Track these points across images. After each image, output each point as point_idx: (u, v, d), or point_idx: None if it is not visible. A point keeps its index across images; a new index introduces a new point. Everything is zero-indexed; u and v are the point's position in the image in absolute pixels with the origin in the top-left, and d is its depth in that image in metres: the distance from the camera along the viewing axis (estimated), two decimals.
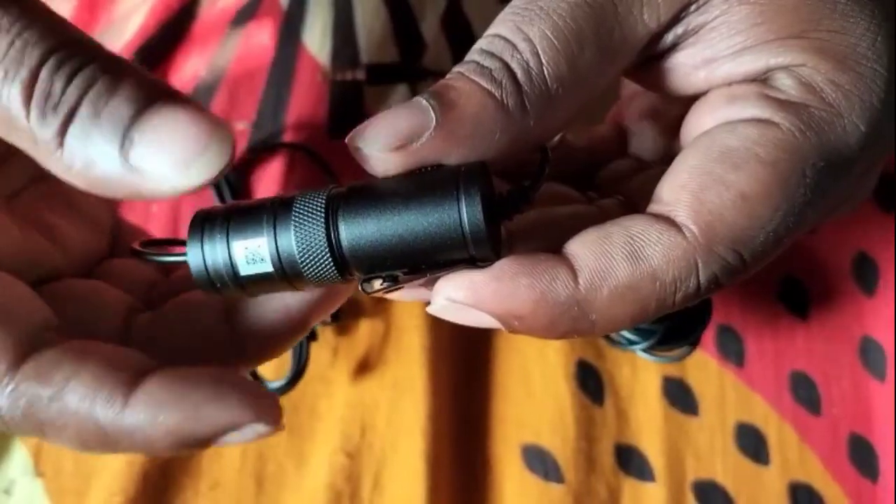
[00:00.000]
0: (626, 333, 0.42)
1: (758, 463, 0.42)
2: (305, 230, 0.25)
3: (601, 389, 0.43)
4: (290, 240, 0.25)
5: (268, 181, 0.46)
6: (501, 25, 0.26)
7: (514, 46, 0.25)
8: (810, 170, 0.25)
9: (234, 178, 0.46)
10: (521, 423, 0.42)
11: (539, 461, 0.41)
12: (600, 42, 0.25)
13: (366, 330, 0.43)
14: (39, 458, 0.41)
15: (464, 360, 0.43)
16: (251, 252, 0.25)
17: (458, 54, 0.49)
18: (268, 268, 0.25)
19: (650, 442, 0.42)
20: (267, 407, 0.24)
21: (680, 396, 0.43)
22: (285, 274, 0.25)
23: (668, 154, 0.33)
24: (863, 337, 0.44)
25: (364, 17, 0.48)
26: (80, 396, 0.24)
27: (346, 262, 0.25)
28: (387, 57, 0.48)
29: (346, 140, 0.25)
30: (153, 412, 0.24)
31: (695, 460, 0.42)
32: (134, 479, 0.40)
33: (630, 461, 0.42)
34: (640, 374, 0.43)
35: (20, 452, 0.41)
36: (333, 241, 0.24)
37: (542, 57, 0.25)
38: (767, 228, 0.24)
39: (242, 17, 0.50)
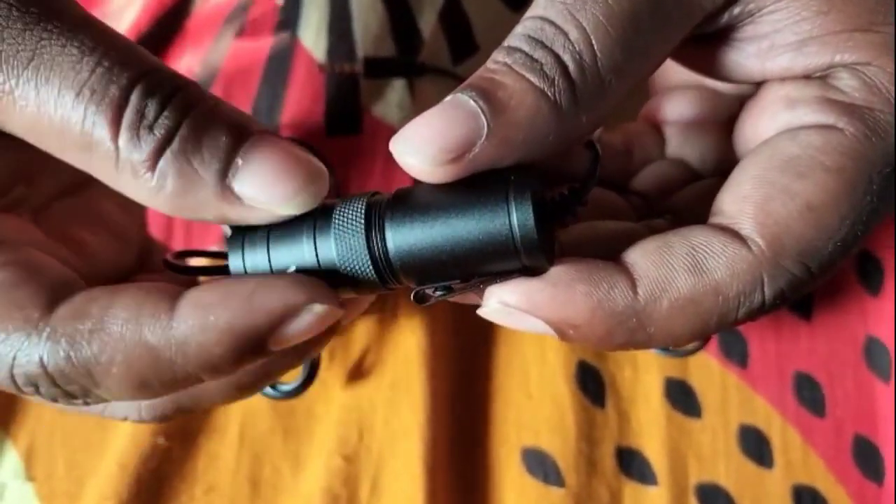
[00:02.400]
0: None
1: (761, 465, 0.41)
2: (346, 239, 0.24)
3: (602, 391, 0.42)
4: (330, 249, 0.24)
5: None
6: (550, 7, 0.24)
7: (566, 35, 0.23)
8: (877, 176, 0.24)
9: None
10: (521, 426, 0.41)
11: (539, 464, 0.41)
12: (656, 25, 0.24)
13: (362, 332, 0.43)
14: (30, 462, 0.41)
15: (462, 362, 0.42)
16: (293, 262, 0.25)
17: (456, 50, 0.49)
18: None
19: (652, 444, 0.41)
20: (320, 287, 0.24)
21: (682, 398, 0.42)
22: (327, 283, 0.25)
23: (714, 158, 0.32)
24: (867, 337, 0.43)
25: (360, 12, 0.48)
26: (122, 320, 0.23)
27: (391, 270, 0.24)
28: (384, 51, 0.48)
29: (391, 146, 0.24)
30: (203, 314, 0.23)
31: (697, 463, 0.41)
32: (127, 482, 0.39)
33: (632, 464, 0.41)
34: (641, 376, 0.42)
35: (11, 456, 0.41)
36: (377, 248, 0.24)
37: (595, 47, 0.23)
38: (835, 238, 0.24)
39: (237, 13, 0.49)
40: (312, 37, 0.48)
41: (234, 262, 0.25)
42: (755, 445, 0.41)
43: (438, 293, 0.25)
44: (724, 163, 0.31)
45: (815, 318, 0.43)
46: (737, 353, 0.43)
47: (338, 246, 0.24)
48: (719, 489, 0.41)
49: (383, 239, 0.24)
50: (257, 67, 0.48)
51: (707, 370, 0.43)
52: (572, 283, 0.23)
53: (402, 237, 0.24)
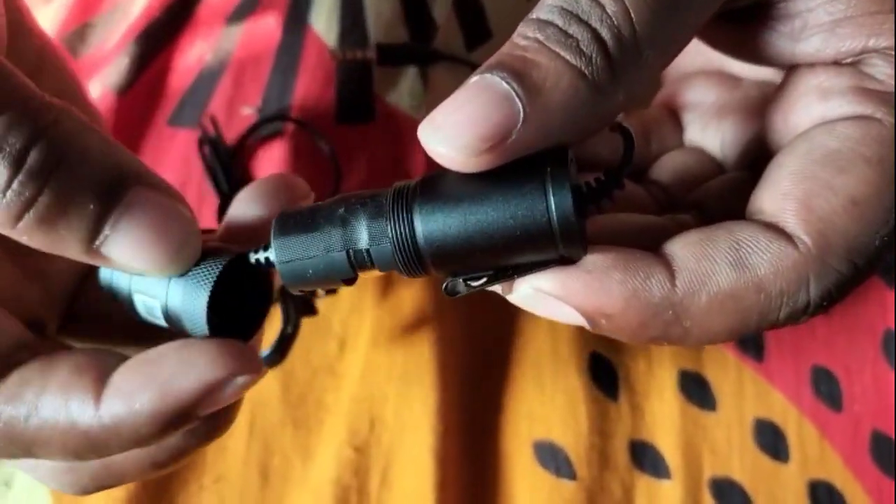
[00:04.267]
0: None
1: (776, 460, 0.41)
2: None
3: (615, 383, 0.42)
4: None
5: (268, 167, 0.45)
6: None
7: (602, 7, 0.22)
8: None
9: (233, 165, 0.45)
10: (533, 418, 0.41)
11: (551, 457, 0.40)
12: None
13: (373, 323, 0.42)
14: None
15: (474, 354, 0.42)
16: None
17: (470, 36, 0.48)
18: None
19: (666, 438, 0.41)
20: (240, 358, 0.24)
21: (697, 391, 0.42)
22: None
23: (734, 146, 0.31)
24: (886, 330, 0.42)
25: None
26: (53, 408, 0.23)
27: (420, 258, 0.23)
28: (396, 38, 0.47)
29: (419, 133, 0.22)
30: (127, 401, 0.23)
31: (712, 457, 0.41)
32: None
33: (645, 457, 0.41)
34: (655, 369, 0.42)
35: None
36: (405, 235, 0.23)
37: (633, 19, 0.21)
38: (882, 232, 0.23)
39: (248, 1, 0.48)
40: (324, 23, 0.47)
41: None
42: (771, 439, 0.41)
43: (472, 284, 0.24)
44: (745, 151, 0.30)
45: (833, 312, 0.43)
46: (753, 346, 0.42)
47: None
48: (734, 483, 0.40)
49: (411, 226, 0.23)
50: (268, 54, 0.47)
51: (722, 363, 0.42)
52: (608, 270, 0.22)
53: (433, 225, 0.23)
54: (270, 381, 0.41)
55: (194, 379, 0.23)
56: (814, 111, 0.24)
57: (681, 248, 0.23)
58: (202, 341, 0.24)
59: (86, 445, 0.24)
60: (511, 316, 0.42)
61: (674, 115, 0.34)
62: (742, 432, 0.41)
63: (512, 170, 0.22)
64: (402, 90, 0.47)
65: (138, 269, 0.24)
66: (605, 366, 0.42)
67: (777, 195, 0.23)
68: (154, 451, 0.26)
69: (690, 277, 0.22)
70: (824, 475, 0.40)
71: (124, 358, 0.24)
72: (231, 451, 0.40)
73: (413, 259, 0.23)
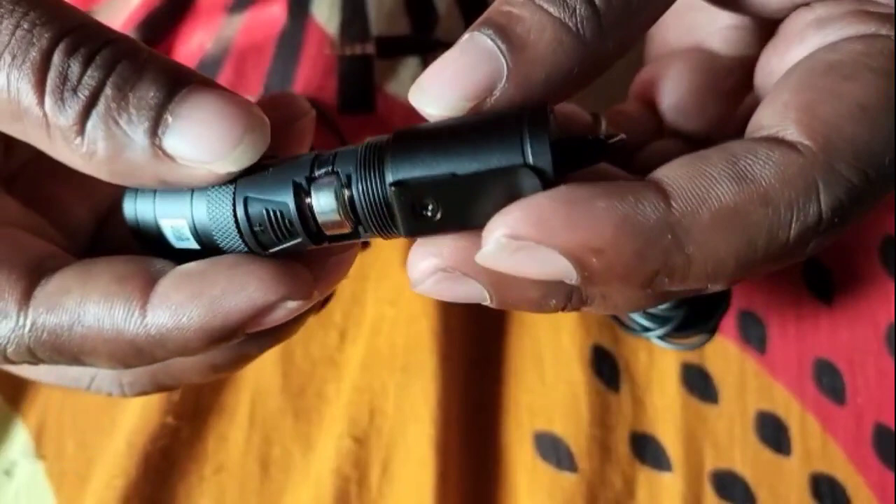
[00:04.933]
0: (640, 319, 0.40)
1: (779, 453, 0.40)
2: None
3: (617, 375, 0.41)
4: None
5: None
6: None
7: None
8: None
9: None
10: (534, 410, 0.41)
11: (552, 449, 0.40)
12: None
13: (375, 314, 0.42)
14: (41, 441, 0.41)
15: (475, 345, 0.42)
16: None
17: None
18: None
19: (667, 430, 0.41)
20: (293, 282, 0.23)
21: (699, 383, 0.41)
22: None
23: (718, 131, 0.29)
24: (889, 323, 0.42)
25: None
26: (97, 317, 0.23)
27: (390, 209, 0.23)
28: (398, 29, 0.47)
29: (410, 97, 0.22)
30: (175, 314, 0.23)
31: (713, 450, 0.40)
32: (136, 462, 0.39)
33: (646, 450, 0.40)
34: (657, 361, 0.42)
35: (21, 434, 0.41)
36: (375, 182, 0.22)
37: None
38: (893, 143, 0.21)
39: None
40: (325, 12, 0.47)
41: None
42: (773, 432, 0.41)
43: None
44: (729, 134, 0.29)
45: (836, 304, 0.42)
46: (755, 339, 0.42)
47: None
48: (735, 476, 0.40)
49: (383, 173, 0.22)
50: (269, 44, 0.47)
51: (725, 356, 0.42)
52: (591, 198, 0.20)
53: (402, 172, 0.22)
54: (271, 372, 0.41)
55: (244, 298, 0.22)
56: (811, 41, 0.23)
57: (671, 170, 0.21)
58: (255, 260, 0.23)
59: (133, 354, 0.23)
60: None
61: (650, 107, 0.32)
62: (744, 425, 0.41)
63: (490, 121, 0.21)
64: (404, 80, 0.46)
65: (201, 158, 0.23)
66: (606, 358, 0.41)
67: (777, 107, 0.21)
68: (213, 356, 0.26)
69: (686, 195, 0.20)
70: (826, 468, 0.40)
71: (167, 265, 0.24)
72: (231, 441, 0.40)
73: (382, 209, 0.22)
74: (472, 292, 0.22)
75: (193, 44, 0.48)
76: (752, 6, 0.25)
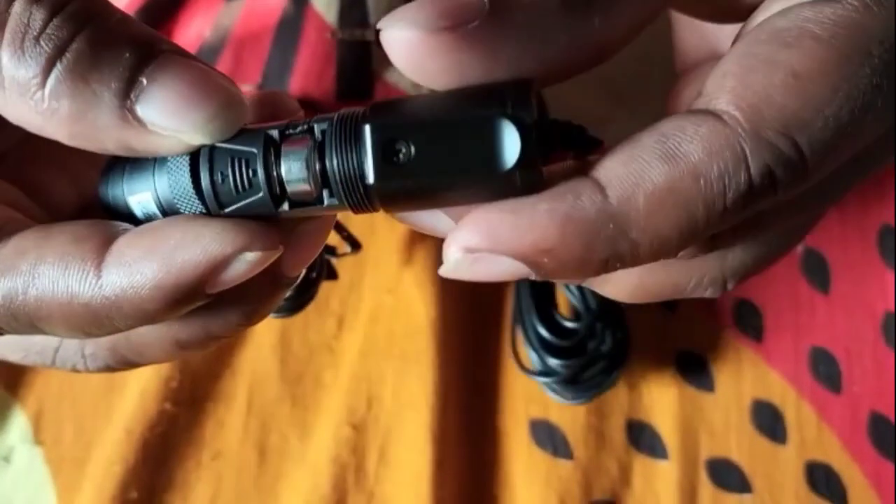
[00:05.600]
0: (537, 363, 0.40)
1: (774, 441, 0.41)
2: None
3: None
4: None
5: None
6: None
7: None
8: (877, 48, 0.21)
9: None
10: (530, 398, 0.41)
11: (548, 436, 0.40)
12: None
13: (373, 302, 0.42)
14: (39, 427, 0.41)
15: (472, 333, 0.42)
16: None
17: None
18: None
19: (663, 418, 0.41)
20: (249, 233, 0.22)
21: (695, 372, 0.41)
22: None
23: None
24: (886, 312, 0.42)
25: None
26: (51, 278, 0.22)
27: (366, 187, 0.21)
28: None
29: (379, 27, 0.21)
30: (128, 271, 0.22)
31: (709, 438, 0.41)
32: (134, 448, 0.39)
33: (642, 438, 0.41)
34: (653, 349, 0.42)
35: (19, 420, 0.41)
36: (350, 155, 0.21)
37: None
38: (826, 112, 0.21)
39: None
40: (324, 1, 0.47)
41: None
42: (769, 421, 0.41)
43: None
44: None
45: (833, 293, 0.42)
46: (752, 327, 0.42)
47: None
48: (731, 464, 0.40)
49: (357, 127, 0.21)
50: (268, 31, 0.47)
51: (721, 344, 0.42)
52: (533, 205, 0.20)
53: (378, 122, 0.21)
54: (268, 359, 0.41)
55: (199, 251, 0.21)
56: (772, 6, 0.23)
57: (606, 161, 0.21)
58: (212, 217, 0.23)
59: (89, 319, 0.23)
60: (509, 295, 0.42)
61: None
62: (740, 413, 0.41)
63: (469, 95, 0.21)
64: None
65: (174, 127, 0.22)
66: None
67: (718, 74, 0.22)
68: (176, 329, 0.25)
69: (621, 183, 0.20)
70: (822, 456, 0.40)
71: (129, 228, 0.23)
72: (229, 427, 0.41)
73: (353, 160, 0.21)
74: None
75: (192, 31, 0.48)
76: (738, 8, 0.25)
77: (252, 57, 0.47)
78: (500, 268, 0.21)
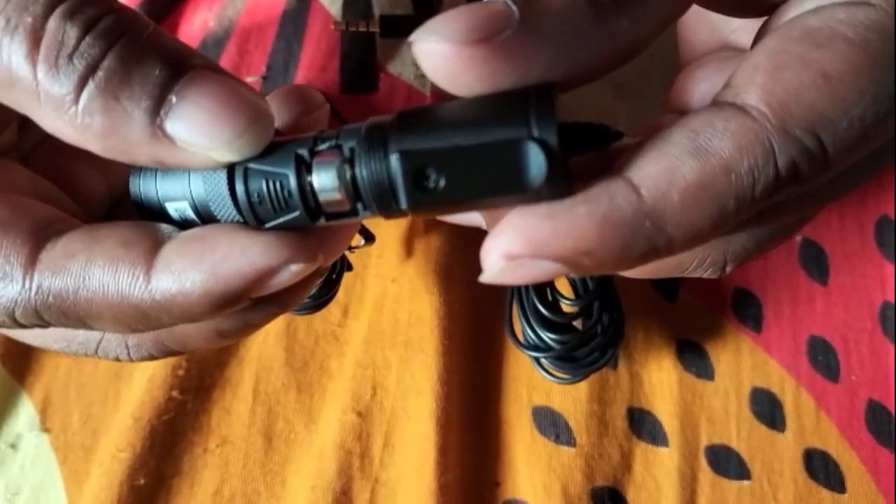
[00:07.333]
0: (532, 337, 0.40)
1: (773, 429, 0.41)
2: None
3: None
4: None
5: None
6: None
7: None
8: None
9: None
10: (533, 385, 0.41)
11: (550, 423, 0.41)
12: None
13: (377, 290, 0.43)
14: (46, 414, 0.41)
15: (476, 322, 0.42)
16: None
17: None
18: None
19: (664, 406, 0.41)
20: (294, 245, 0.23)
21: (695, 361, 0.42)
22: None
23: None
24: (883, 303, 0.43)
25: None
26: (101, 282, 0.23)
27: (393, 186, 0.22)
28: (400, 9, 0.47)
29: (411, 40, 0.21)
30: (178, 278, 0.22)
31: (709, 425, 0.41)
32: (141, 435, 0.40)
33: (643, 425, 0.41)
34: (654, 338, 0.42)
35: (27, 407, 0.41)
36: (378, 159, 0.22)
37: None
38: (852, 113, 0.21)
39: None
40: None
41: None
42: (767, 409, 0.41)
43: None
44: None
45: (832, 283, 0.43)
46: (751, 317, 0.43)
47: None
48: (730, 451, 0.41)
49: (385, 148, 0.22)
50: (272, 23, 0.47)
51: (721, 333, 0.43)
52: (570, 208, 0.21)
53: (406, 146, 0.22)
54: (274, 347, 0.42)
55: (246, 263, 0.22)
56: (804, 3, 0.23)
57: (637, 160, 0.21)
58: (257, 230, 0.23)
59: (138, 319, 0.23)
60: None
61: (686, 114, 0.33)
62: (739, 401, 0.41)
63: (495, 98, 0.21)
64: (406, 60, 0.47)
65: (203, 144, 0.22)
66: None
67: (748, 68, 0.22)
68: (218, 322, 0.26)
69: (654, 182, 0.21)
70: (820, 444, 0.41)
71: (173, 231, 0.24)
72: (235, 415, 0.41)
73: (384, 181, 0.22)
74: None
75: (196, 22, 0.48)
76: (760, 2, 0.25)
77: (256, 48, 0.47)
78: (540, 270, 0.21)
